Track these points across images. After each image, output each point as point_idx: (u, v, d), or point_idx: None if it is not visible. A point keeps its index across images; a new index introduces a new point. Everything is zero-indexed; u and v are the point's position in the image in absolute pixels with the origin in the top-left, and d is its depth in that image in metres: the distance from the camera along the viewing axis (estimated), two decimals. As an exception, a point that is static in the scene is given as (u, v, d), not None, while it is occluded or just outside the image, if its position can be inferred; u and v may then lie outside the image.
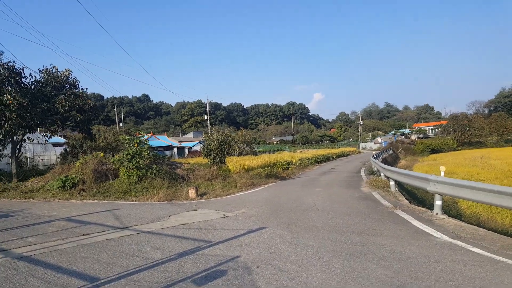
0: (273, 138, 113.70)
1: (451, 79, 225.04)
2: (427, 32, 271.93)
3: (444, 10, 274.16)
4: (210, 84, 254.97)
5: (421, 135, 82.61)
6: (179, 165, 15.49)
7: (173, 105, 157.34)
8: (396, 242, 5.25)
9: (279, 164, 22.17)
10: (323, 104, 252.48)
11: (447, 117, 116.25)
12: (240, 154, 44.41)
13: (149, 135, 59.57)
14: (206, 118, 58.82)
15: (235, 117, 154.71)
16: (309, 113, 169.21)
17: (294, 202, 9.42)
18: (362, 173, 18.56)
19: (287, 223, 6.89)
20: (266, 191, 12.39)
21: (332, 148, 67.27)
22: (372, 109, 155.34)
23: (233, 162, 20.63)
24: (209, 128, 61.15)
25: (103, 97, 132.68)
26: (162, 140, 58.54)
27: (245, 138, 45.43)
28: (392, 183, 10.47)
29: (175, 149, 53.50)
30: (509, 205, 5.40)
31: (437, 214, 7.18)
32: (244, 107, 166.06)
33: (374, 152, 28.64)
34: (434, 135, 79.43)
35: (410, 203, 8.77)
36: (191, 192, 11.52)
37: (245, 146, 45.29)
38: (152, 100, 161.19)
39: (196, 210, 8.84)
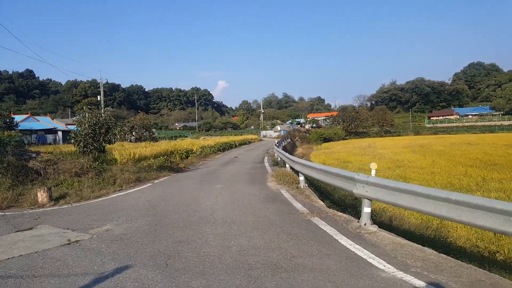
0: (177, 124, 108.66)
1: (340, 74, 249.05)
2: (319, 31, 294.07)
3: (335, 10, 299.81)
4: (108, 63, 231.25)
5: (314, 125, 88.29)
6: (34, 155, 11.47)
7: (63, 83, 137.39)
8: (329, 285, 3.44)
9: (178, 152, 19.83)
10: (227, 92, 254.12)
11: (336, 108, 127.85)
12: (138, 140, 39.92)
13: (26, 116, 50.03)
14: (99, 99, 51.53)
15: (135, 100, 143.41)
16: (214, 100, 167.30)
17: (185, 209, 7.12)
18: (266, 164, 17.45)
19: (167, 253, 4.51)
20: (153, 190, 9.84)
21: (235, 135, 66.53)
22: (272, 99, 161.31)
23: (121, 151, 17.40)
24: (102, 110, 54.07)
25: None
26: (43, 122, 49.69)
27: (144, 123, 41.02)
28: (301, 178, 9.01)
29: (59, 133, 46.07)
30: (495, 227, 3.67)
31: (365, 225, 5.58)
32: (146, 90, 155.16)
33: (276, 141, 27.95)
34: (326, 125, 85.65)
35: (327, 205, 7.31)
36: (41, 195, 8.14)
37: (143, 132, 40.92)
38: (38, 77, 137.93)
39: (31, 229, 5.76)
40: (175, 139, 47.43)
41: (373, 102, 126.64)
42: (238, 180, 11.49)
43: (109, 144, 13.45)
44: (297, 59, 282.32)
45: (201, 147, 25.05)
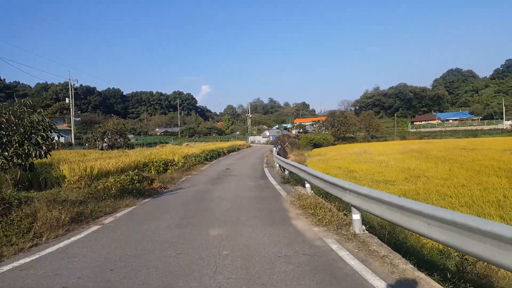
0: (157, 129, 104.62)
1: (324, 80, 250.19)
2: (304, 37, 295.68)
3: (318, 16, 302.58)
4: (84, 65, 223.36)
5: (301, 130, 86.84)
6: None
7: (32, 86, 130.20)
8: None
9: (154, 164, 15.92)
10: (211, 96, 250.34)
11: (321, 114, 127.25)
12: (111, 147, 36.56)
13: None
14: (68, 102, 47.52)
15: (112, 104, 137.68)
16: (197, 105, 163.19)
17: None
18: (271, 179, 13.85)
19: None
20: (89, 251, 5.22)
21: (221, 141, 63.73)
22: (257, 104, 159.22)
23: (74, 164, 13.19)
24: (71, 115, 50.09)
25: None
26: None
27: (118, 128, 37.65)
28: (356, 216, 5.42)
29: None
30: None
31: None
32: (124, 93, 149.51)
33: (274, 149, 25.39)
34: (313, 130, 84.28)
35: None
36: None
37: (117, 138, 37.61)
38: (4, 79, 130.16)
39: None
40: (154, 146, 43.93)
41: (357, 107, 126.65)
42: (243, 214, 7.40)
43: (40, 158, 7.68)
44: (281, 64, 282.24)
45: (184, 157, 21.22)
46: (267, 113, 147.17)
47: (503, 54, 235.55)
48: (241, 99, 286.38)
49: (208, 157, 25.21)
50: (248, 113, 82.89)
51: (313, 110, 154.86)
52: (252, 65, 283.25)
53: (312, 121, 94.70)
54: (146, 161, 17.09)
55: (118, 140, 37.18)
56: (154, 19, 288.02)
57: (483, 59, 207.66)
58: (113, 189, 9.62)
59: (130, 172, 11.40)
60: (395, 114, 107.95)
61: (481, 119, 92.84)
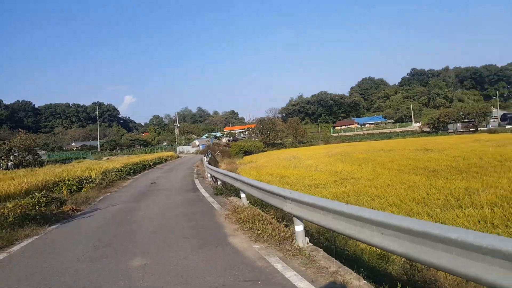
0: (73, 144, 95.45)
1: (252, 88, 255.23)
2: (229, 47, 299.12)
3: (242, 27, 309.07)
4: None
5: (231, 138, 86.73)
6: None
7: None
8: None
9: (65, 183, 13.88)
10: (135, 107, 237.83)
11: (250, 121, 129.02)
12: (17, 166, 31.97)
13: None
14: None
15: (21, 118, 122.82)
16: (120, 116, 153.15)
17: None
18: (202, 190, 12.66)
19: None
20: None
21: (146, 153, 60.16)
22: (185, 113, 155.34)
23: None
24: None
25: None
26: None
27: (26, 144, 33.34)
28: (299, 228, 4.88)
29: None
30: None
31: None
32: (36, 106, 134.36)
33: (205, 158, 24.28)
34: (243, 137, 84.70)
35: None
36: None
37: (25, 155, 33.32)
38: None
39: None
40: (70, 162, 39.73)
41: (284, 115, 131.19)
42: (172, 236, 6.36)
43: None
44: (210, 72, 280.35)
45: (102, 172, 18.96)
46: (196, 122, 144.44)
47: (409, 64, 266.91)
48: (168, 108, 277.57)
49: (132, 171, 23.16)
50: (176, 122, 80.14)
51: (242, 118, 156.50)
52: (179, 74, 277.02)
53: (242, 129, 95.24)
54: (57, 179, 14.83)
55: (27, 158, 32.97)
56: (73, 24, 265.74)
57: (392, 68, 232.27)
58: (11, 216, 7.82)
59: (37, 193, 9.62)
60: (319, 120, 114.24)
61: (393, 122, 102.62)
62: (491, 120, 73.24)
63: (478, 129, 67.58)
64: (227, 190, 10.86)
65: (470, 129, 68.27)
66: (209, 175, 15.98)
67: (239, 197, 8.87)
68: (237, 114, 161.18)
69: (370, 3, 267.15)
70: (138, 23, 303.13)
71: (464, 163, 17.58)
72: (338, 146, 57.47)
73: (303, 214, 4.60)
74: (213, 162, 34.41)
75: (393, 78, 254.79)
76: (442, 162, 19.10)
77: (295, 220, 4.94)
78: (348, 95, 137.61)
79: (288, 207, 5.07)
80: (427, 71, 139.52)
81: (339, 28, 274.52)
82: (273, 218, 6.24)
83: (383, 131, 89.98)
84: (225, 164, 35.68)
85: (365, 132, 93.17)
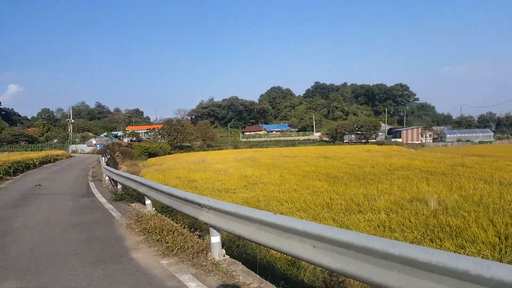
0: None
1: (159, 88, 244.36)
2: (133, 42, 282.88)
3: (150, 26, 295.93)
4: None
5: (135, 138, 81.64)
6: None
7: None
8: None
9: None
10: (22, 98, 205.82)
11: (157, 121, 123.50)
12: None
13: None
14: None
15: None
16: (1, 107, 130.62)
17: None
18: (98, 195, 11.06)
19: None
20: None
21: (32, 150, 52.25)
22: (81, 108, 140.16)
23: None
24: None
25: None
26: None
27: None
28: (215, 239, 4.42)
29: None
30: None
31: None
32: None
33: (103, 159, 21.84)
34: (148, 138, 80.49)
35: None
36: None
37: None
38: None
39: None
40: None
41: (194, 117, 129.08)
42: (58, 251, 5.22)
43: None
44: (112, 66, 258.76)
45: None
46: (94, 119, 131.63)
47: (313, 77, 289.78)
48: (61, 102, 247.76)
49: (12, 170, 19.55)
50: (70, 118, 71.78)
51: (148, 118, 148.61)
52: (76, 64, 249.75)
53: (147, 129, 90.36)
54: None
55: None
56: None
57: (298, 80, 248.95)
58: None
59: None
60: (228, 125, 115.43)
61: (297, 131, 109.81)
62: (380, 133, 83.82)
63: (369, 140, 76.61)
64: (129, 196, 9.65)
65: (362, 140, 76.95)
66: (107, 178, 14.28)
67: (144, 203, 7.90)
68: (142, 113, 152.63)
69: (277, 21, 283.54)
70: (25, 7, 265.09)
71: (360, 170, 19.28)
72: (246, 151, 58.62)
73: (223, 225, 4.08)
74: (113, 163, 31.53)
75: (299, 89, 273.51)
76: (341, 169, 20.66)
77: (212, 230, 4.40)
78: (257, 102, 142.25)
79: (205, 217, 4.50)
80: (328, 85, 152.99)
81: (251, 38, 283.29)
82: (184, 228, 5.56)
83: (288, 138, 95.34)
84: (126, 166, 33.19)
85: (272, 138, 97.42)
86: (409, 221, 8.45)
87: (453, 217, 8.32)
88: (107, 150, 40.78)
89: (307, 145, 76.70)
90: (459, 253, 6.20)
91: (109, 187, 13.26)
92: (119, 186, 11.14)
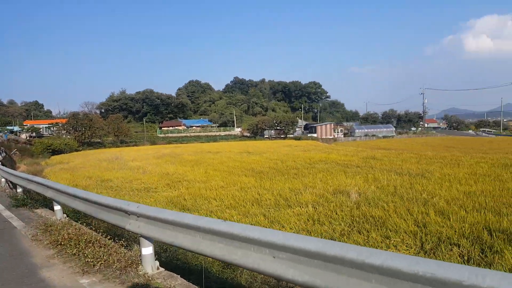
0: None
1: (61, 79, 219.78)
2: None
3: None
4: None
5: (34, 134, 72.48)
6: None
7: None
8: None
9: None
10: None
11: (60, 115, 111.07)
12: None
13: None
14: None
15: None
16: None
17: None
18: None
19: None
20: None
21: None
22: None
23: None
24: None
25: None
26: None
27: None
28: (147, 250, 3.82)
29: None
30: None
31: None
32: None
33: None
34: (50, 134, 72.18)
35: None
36: None
37: None
38: None
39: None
40: None
41: (103, 111, 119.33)
42: None
43: None
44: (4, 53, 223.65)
45: None
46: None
47: (232, 72, 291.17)
48: None
49: None
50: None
51: (49, 111, 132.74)
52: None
53: (49, 124, 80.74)
54: None
55: None
56: None
57: (218, 74, 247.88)
58: None
59: None
60: (144, 119, 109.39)
61: (218, 126, 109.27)
62: (297, 129, 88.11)
63: (287, 136, 79.98)
64: (33, 200, 8.17)
65: (281, 136, 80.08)
66: (3, 179, 12.08)
67: (52, 209, 6.72)
68: (42, 106, 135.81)
69: (194, 14, 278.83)
70: None
71: (283, 165, 19.77)
72: (166, 147, 56.30)
73: (158, 235, 3.51)
74: (9, 162, 27.41)
75: (218, 84, 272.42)
76: (265, 164, 20.95)
77: (143, 241, 3.78)
78: (175, 96, 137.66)
79: (134, 225, 3.85)
80: (247, 81, 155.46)
81: (168, 30, 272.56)
82: (107, 238, 4.78)
83: (209, 134, 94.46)
84: (26, 166, 29.40)
85: (192, 134, 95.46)
86: (336, 214, 8.75)
87: (374, 208, 8.86)
88: (2, 148, 35.13)
89: (229, 141, 76.92)
90: (385, 243, 6.56)
91: (6, 190, 11.21)
92: (19, 190, 9.42)
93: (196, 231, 3.10)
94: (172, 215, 3.37)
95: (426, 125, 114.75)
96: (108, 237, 4.86)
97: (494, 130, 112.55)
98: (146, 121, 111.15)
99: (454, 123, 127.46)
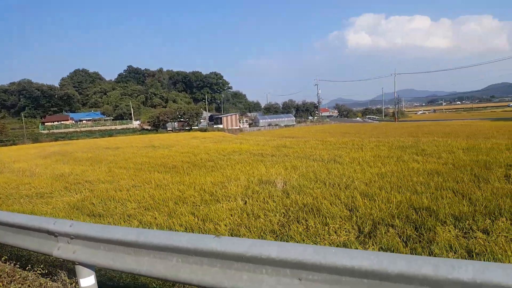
0: None
1: None
2: None
3: None
4: None
5: None
6: None
7: None
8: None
9: None
10: None
11: None
12: None
13: None
14: None
15: None
16: None
17: None
18: None
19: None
20: None
21: None
22: None
23: None
24: None
25: None
26: None
27: None
28: (89, 282, 2.75)
29: None
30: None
31: None
32: None
33: None
34: None
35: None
36: None
37: None
38: None
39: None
40: None
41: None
42: None
43: None
44: None
45: None
46: None
47: (126, 60, 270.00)
48: None
49: None
50: None
51: None
52: None
53: None
54: None
55: None
56: None
57: (108, 63, 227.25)
58: None
59: None
60: (22, 114, 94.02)
61: (112, 119, 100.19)
62: (202, 120, 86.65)
63: (192, 127, 77.96)
64: None
65: (186, 128, 77.71)
66: None
67: None
68: None
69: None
70: None
71: (197, 158, 18.91)
72: (52, 144, 49.43)
73: (108, 261, 2.59)
74: None
75: (109, 73, 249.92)
76: (176, 158, 19.76)
77: (81, 270, 2.80)
78: (59, 86, 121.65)
79: (67, 250, 2.83)
80: (143, 70, 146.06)
81: (43, 11, 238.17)
82: (26, 271, 3.52)
83: (103, 128, 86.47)
84: None
85: (83, 129, 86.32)
86: (268, 204, 8.52)
87: (303, 195, 8.90)
88: None
89: (128, 135, 71.61)
90: (325, 230, 6.54)
91: None
92: None
93: (170, 252, 2.32)
94: (129, 232, 2.48)
95: (321, 114, 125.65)
96: (16, 264, 3.58)
97: (377, 117, 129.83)
98: (25, 116, 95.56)
99: (344, 112, 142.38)
